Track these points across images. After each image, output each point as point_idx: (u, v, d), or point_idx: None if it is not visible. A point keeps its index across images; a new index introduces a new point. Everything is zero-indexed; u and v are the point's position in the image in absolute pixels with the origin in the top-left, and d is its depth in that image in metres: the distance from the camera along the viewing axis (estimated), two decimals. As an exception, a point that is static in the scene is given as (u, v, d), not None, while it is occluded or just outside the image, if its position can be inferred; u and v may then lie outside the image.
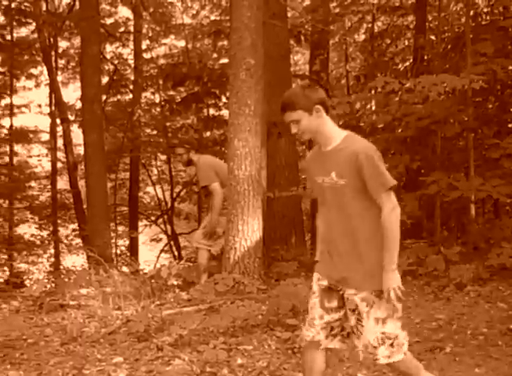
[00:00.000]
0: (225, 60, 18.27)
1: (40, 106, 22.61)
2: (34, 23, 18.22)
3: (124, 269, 11.10)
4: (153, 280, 8.60)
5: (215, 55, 19.21)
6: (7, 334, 6.75)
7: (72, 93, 22.28)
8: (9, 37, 18.74)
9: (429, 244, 9.89)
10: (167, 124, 18.91)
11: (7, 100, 20.34)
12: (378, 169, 3.71)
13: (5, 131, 20.98)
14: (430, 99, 9.74)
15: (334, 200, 3.87)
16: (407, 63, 15.99)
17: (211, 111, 17.91)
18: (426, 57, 13.70)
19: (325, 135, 3.91)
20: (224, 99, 16.66)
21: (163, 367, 5.67)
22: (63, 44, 20.90)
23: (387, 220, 3.70)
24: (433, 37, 14.09)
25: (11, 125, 19.49)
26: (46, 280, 11.94)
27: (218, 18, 18.86)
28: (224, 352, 5.89)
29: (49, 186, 20.16)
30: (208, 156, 9.56)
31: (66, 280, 9.69)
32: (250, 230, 8.63)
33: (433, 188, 9.98)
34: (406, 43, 16.90)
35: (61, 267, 16.34)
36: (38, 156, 21.94)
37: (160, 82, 18.88)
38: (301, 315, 6.82)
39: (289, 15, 14.33)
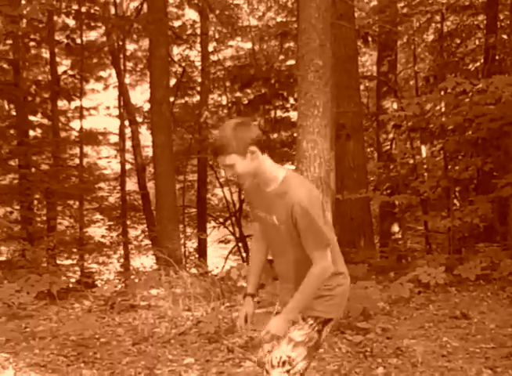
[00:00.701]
0: (291, 62, 18.27)
1: (108, 108, 22.96)
2: (104, 27, 18.50)
3: (193, 270, 11.16)
4: (222, 282, 8.63)
5: (282, 56, 19.20)
6: (80, 333, 6.85)
7: (139, 95, 22.61)
8: (78, 41, 19.04)
9: (503, 248, 9.71)
10: (235, 125, 18.95)
11: (77, 103, 20.68)
12: (312, 226, 3.46)
13: (75, 133, 21.36)
14: (502, 100, 9.55)
15: (276, 237, 3.69)
16: (477, 64, 15.73)
17: (278, 113, 17.92)
18: (497, 57, 13.46)
19: (264, 176, 3.60)
20: (291, 101, 16.66)
21: (234, 369, 5.70)
22: (130, 46, 21.19)
23: (312, 276, 3.51)
24: (505, 37, 13.82)
25: (81, 127, 19.80)
26: (117, 281, 12.11)
27: (284, 19, 18.85)
28: (294, 354, 5.87)
29: (118, 188, 20.42)
30: None
31: (137, 280, 9.81)
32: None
33: (506, 190, 9.81)
34: (477, 43, 16.62)
35: (131, 268, 16.55)
36: (107, 157, 22.28)
37: (227, 84, 18.98)
38: (373, 318, 6.78)
39: (356, 15, 14.23)
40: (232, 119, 3.66)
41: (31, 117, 20.10)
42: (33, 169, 19.20)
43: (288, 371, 3.62)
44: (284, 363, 3.62)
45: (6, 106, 20.57)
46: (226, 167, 3.52)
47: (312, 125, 8.65)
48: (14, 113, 19.95)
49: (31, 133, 20.10)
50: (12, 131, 19.67)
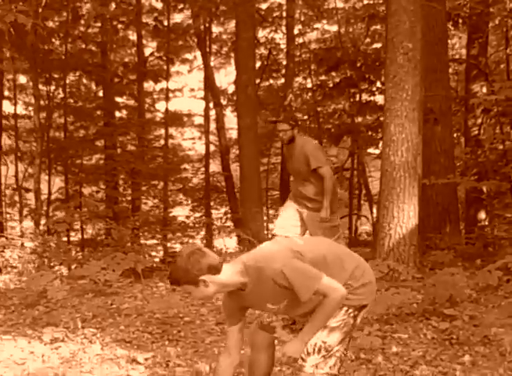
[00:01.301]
0: (378, 45, 18.00)
1: (193, 90, 23.13)
2: (190, 9, 18.58)
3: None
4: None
5: (368, 39, 18.94)
6: (164, 312, 6.93)
7: (223, 78, 22.71)
8: (165, 23, 19.21)
9: None
10: (319, 109, 18.85)
11: (162, 85, 20.92)
12: (298, 279, 3.64)
13: (160, 114, 21.61)
14: None
15: (285, 311, 3.92)
16: None
17: (364, 96, 17.71)
18: None
19: (230, 287, 3.79)
20: (378, 84, 16.43)
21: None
22: (216, 29, 21.25)
23: (326, 305, 3.69)
24: None
25: (166, 109, 20.01)
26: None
27: (371, 2, 18.57)
28: (378, 339, 5.81)
29: (202, 169, 20.57)
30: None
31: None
32: (405, 217, 8.47)
33: None
34: None
35: (213, 249, 16.66)
36: (192, 139, 22.48)
37: (313, 67, 18.84)
38: (459, 305, 6.64)
39: (446, -3, 13.89)
40: (185, 248, 3.94)
41: (118, 99, 20.44)
42: (119, 150, 19.54)
43: (324, 357, 3.76)
44: (320, 349, 3.76)
45: (94, 88, 20.99)
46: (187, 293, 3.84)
47: (400, 109, 8.52)
48: (101, 95, 20.34)
49: (117, 114, 20.44)
50: (98, 113, 20.07)
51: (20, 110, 20.93)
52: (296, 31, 19.55)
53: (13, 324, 6.68)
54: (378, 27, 17.60)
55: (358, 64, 16.16)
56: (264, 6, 19.45)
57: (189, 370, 5.26)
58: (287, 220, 8.25)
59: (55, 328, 6.27)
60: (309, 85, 19.85)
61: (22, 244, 12.74)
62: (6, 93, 20.53)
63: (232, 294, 3.88)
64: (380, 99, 16.61)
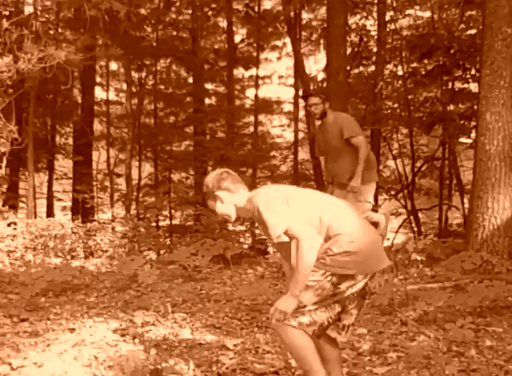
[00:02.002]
0: (473, 31, 17.56)
1: (281, 77, 23.09)
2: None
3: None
4: (396, 254, 8.47)
5: (462, 25, 18.49)
6: (253, 298, 6.94)
7: (312, 65, 22.57)
8: (255, 10, 19.23)
9: None
10: (410, 97, 18.53)
11: (252, 71, 20.94)
12: (270, 216, 3.95)
13: (249, 101, 21.66)
14: None
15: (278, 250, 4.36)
16: None
17: (457, 84, 17.30)
18: None
19: (243, 210, 4.28)
20: (472, 72, 16.02)
21: (407, 342, 5.56)
22: (305, 15, 21.11)
23: (298, 252, 3.87)
24: None
25: (256, 96, 20.03)
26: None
27: (466, -13, 18.12)
28: (471, 332, 5.67)
29: (290, 157, 20.53)
30: None
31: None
32: (500, 208, 8.26)
33: None
34: None
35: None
36: (282, 126, 22.44)
37: (404, 54, 18.51)
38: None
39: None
40: (217, 169, 4.49)
41: (207, 85, 20.56)
42: (208, 136, 19.66)
43: (295, 311, 3.90)
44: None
45: (184, 74, 21.19)
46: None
47: (498, 97, 8.29)
48: (191, 81, 20.50)
49: (207, 101, 20.56)
50: (188, 99, 20.22)
51: (112, 96, 21.34)
52: (387, 18, 19.26)
53: (105, 307, 6.79)
54: (473, 12, 17.14)
55: (452, 51, 15.76)
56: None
57: (278, 357, 5.23)
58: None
59: (146, 312, 6.34)
60: (400, 73, 19.51)
61: (113, 229, 12.98)
62: (98, 79, 20.95)
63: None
64: (473, 86, 16.19)
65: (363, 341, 5.62)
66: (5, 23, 11.86)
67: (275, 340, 5.66)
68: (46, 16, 14.08)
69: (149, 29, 19.72)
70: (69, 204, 20.15)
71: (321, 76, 20.37)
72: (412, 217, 18.35)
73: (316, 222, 3.95)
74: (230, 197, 4.23)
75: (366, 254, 3.93)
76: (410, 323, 6.02)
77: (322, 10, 19.31)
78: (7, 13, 15.35)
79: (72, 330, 5.96)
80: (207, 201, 4.35)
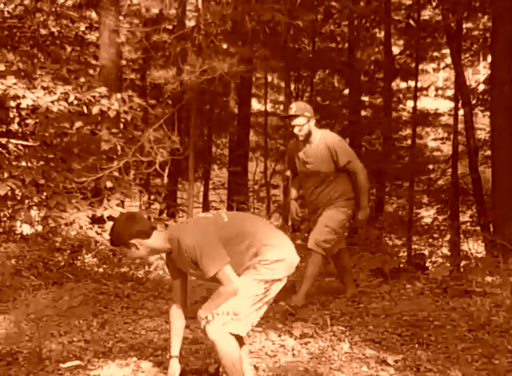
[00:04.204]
0: None
1: (438, 89, 22.64)
2: (441, 5, 18.16)
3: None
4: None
5: None
6: (414, 314, 6.76)
7: (470, 76, 21.99)
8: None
9: None
10: None
11: (408, 83, 20.66)
12: (205, 258, 4.31)
13: (406, 113, 21.33)
14: None
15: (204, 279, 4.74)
16: None
17: None
18: None
19: (159, 251, 4.67)
20: None
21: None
22: (464, 25, 20.54)
23: (221, 289, 4.40)
24: None
25: (414, 108, 19.69)
26: (448, 265, 11.84)
27: None
28: None
29: (448, 170, 20.03)
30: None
31: (472, 266, 9.50)
32: None
33: None
34: None
35: (460, 253, 16.14)
36: (440, 139, 21.94)
37: None
38: None
39: None
40: (121, 214, 4.85)
41: (363, 97, 20.46)
42: (363, 149, 19.54)
43: (232, 319, 4.38)
44: (228, 312, 4.38)
45: (338, 86, 21.19)
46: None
47: None
48: (346, 93, 20.47)
49: (362, 113, 20.47)
50: (344, 111, 20.18)
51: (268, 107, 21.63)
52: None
53: (263, 317, 6.80)
54: None
55: None
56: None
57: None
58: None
59: (305, 324, 6.31)
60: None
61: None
62: (253, 91, 21.29)
63: (169, 255, 4.63)
64: None
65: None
66: (168, 38, 12.25)
67: (438, 358, 5.50)
68: (207, 29, 14.46)
69: (305, 40, 19.85)
70: (225, 213, 20.51)
71: (481, 87, 19.81)
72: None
73: (244, 240, 4.45)
74: (145, 242, 4.43)
75: (290, 256, 4.57)
76: None
77: (484, 19, 18.77)
78: (170, 27, 15.91)
79: (231, 338, 6.01)
80: (119, 247, 4.61)
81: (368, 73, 20.58)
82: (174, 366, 4.83)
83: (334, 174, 6.98)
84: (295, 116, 6.93)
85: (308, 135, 6.95)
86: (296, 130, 6.94)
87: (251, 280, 4.43)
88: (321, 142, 6.96)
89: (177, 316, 4.81)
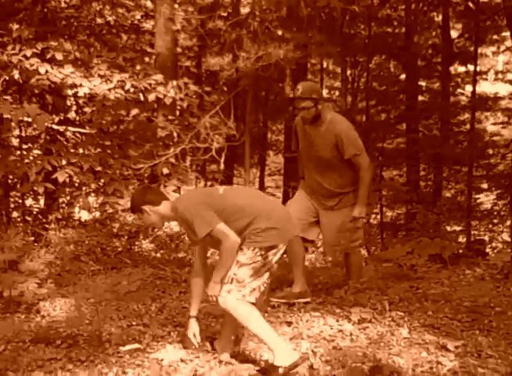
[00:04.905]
0: None
1: (497, 73, 22.24)
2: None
3: None
4: None
5: None
6: (473, 300, 6.64)
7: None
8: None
9: None
10: None
11: (468, 67, 20.32)
12: (195, 221, 4.80)
13: (464, 98, 21.01)
14: None
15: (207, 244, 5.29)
16: None
17: None
18: None
19: (169, 218, 5.20)
20: None
21: None
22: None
23: (223, 252, 4.81)
24: None
25: (473, 92, 19.37)
26: (509, 250, 11.64)
27: None
28: None
29: (509, 155, 19.68)
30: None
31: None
32: None
33: None
34: None
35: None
36: (502, 123, 21.55)
37: None
38: None
39: None
40: (139, 186, 5.45)
41: (420, 82, 20.21)
42: (420, 134, 19.34)
43: (236, 286, 4.75)
44: (232, 280, 4.77)
45: (394, 71, 20.97)
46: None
47: None
48: (402, 77, 20.25)
49: (419, 98, 20.22)
50: (401, 96, 19.99)
51: (324, 93, 21.49)
52: None
53: (321, 302, 6.77)
54: None
55: None
56: None
57: (503, 362, 4.99)
58: (297, 216, 6.42)
59: (363, 309, 6.24)
60: None
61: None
62: (309, 77, 21.15)
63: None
64: None
65: None
66: (223, 25, 12.25)
67: (499, 344, 5.40)
68: (262, 15, 14.42)
69: (361, 25, 19.66)
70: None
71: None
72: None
73: (237, 211, 4.83)
74: (155, 208, 5.01)
75: (282, 226, 4.90)
76: None
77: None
78: (225, 14, 15.91)
79: (289, 323, 6.00)
80: (137, 214, 5.18)
81: (425, 57, 20.28)
82: (193, 326, 5.33)
83: (338, 163, 6.58)
84: (301, 99, 6.43)
85: (316, 117, 6.49)
86: (302, 113, 6.52)
87: (247, 249, 4.80)
88: (329, 126, 6.51)
89: (197, 279, 5.32)
